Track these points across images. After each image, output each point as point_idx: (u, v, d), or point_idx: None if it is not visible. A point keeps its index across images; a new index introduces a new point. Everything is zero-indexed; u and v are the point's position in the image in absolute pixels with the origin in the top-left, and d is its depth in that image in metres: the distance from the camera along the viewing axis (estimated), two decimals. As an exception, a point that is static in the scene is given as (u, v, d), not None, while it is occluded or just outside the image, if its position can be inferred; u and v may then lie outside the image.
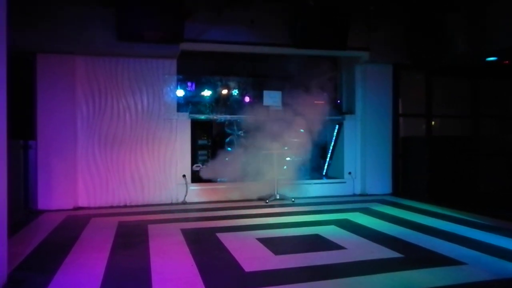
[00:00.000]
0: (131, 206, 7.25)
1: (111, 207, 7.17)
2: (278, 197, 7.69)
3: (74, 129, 7.07)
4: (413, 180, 8.64)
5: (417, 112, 9.24)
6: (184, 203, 7.55)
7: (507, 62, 8.72)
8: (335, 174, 8.95)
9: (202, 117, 8.15)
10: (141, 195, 7.40)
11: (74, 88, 7.07)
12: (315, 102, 8.90)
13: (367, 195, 8.47)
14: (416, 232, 5.38)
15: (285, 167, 8.77)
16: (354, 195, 8.57)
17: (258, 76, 8.32)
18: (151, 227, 5.61)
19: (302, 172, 8.65)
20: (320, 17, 6.77)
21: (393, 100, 8.78)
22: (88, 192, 7.17)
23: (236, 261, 4.12)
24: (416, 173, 8.60)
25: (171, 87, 7.64)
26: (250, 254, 4.39)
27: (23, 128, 6.88)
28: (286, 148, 8.68)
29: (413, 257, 4.30)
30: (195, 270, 3.86)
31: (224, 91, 9.03)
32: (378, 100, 8.64)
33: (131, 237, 5.14)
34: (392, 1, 6.81)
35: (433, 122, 9.38)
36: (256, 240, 4.92)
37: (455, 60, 8.16)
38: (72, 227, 5.69)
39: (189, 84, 8.76)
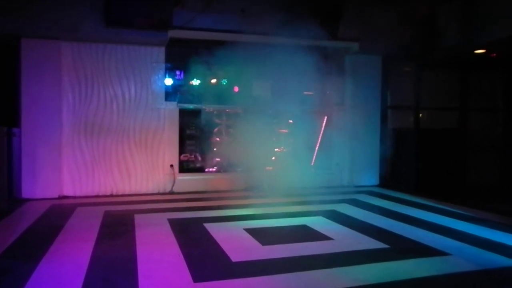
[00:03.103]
0: (118, 196, 7.18)
1: (97, 196, 7.10)
2: (266, 188, 7.68)
3: (60, 117, 6.95)
4: (400, 172, 8.70)
5: (406, 104, 9.26)
6: (171, 193, 7.50)
7: (494, 55, 8.78)
8: (323, 165, 8.95)
9: (191, 106, 8.07)
10: (127, 184, 7.34)
11: (60, 74, 6.93)
12: (305, 93, 8.90)
13: (354, 186, 8.51)
14: (402, 223, 5.43)
15: (273, 157, 8.78)
16: (342, 186, 8.60)
17: (248, 65, 8.22)
18: (137, 217, 5.56)
19: (290, 163, 8.65)
20: (311, 7, 6.71)
21: (382, 92, 8.79)
22: (73, 181, 7.07)
23: (223, 251, 4.11)
24: (403, 165, 8.65)
25: (159, 76, 7.54)
26: (237, 245, 4.39)
27: (7, 115, 6.73)
28: (274, 139, 8.69)
29: (399, 248, 4.34)
30: (182, 260, 3.84)
31: (213, 80, 8.93)
32: (367, 91, 8.64)
33: (117, 226, 5.09)
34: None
35: (420, 114, 9.42)
36: (244, 231, 4.92)
37: (445, 53, 8.18)
38: (57, 216, 5.62)
39: (177, 72, 8.63)
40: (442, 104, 9.59)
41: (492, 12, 6.52)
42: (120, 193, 7.26)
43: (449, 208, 6.34)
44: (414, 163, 8.69)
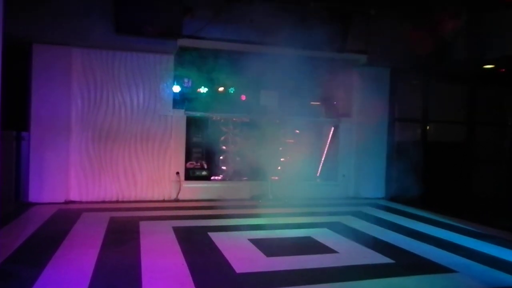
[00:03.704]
0: (123, 202, 7.20)
1: (103, 202, 7.11)
2: (271, 197, 7.67)
3: (68, 122, 7.00)
4: (407, 185, 8.64)
5: (413, 117, 9.24)
6: (176, 200, 7.51)
7: (503, 70, 8.76)
8: (329, 176, 8.93)
9: (198, 114, 8.11)
10: (133, 190, 7.35)
11: (69, 80, 7.00)
12: (312, 103, 8.92)
13: (360, 198, 8.47)
14: (408, 237, 5.39)
15: (279, 167, 8.78)
16: (348, 197, 8.56)
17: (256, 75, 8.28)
18: (142, 224, 5.57)
19: (296, 173, 8.65)
20: (321, 20, 6.75)
21: (389, 104, 8.78)
22: (80, 186, 7.10)
23: (227, 262, 4.10)
24: (410, 177, 8.59)
25: (168, 83, 7.59)
26: (241, 255, 4.37)
27: (16, 119, 6.79)
28: (281, 148, 8.70)
29: (404, 263, 4.31)
30: (186, 270, 3.83)
31: (221, 89, 8.97)
32: (375, 103, 8.61)
33: (122, 233, 5.10)
34: (392, 5, 6.78)
35: (427, 127, 9.39)
36: (248, 241, 4.90)
37: (454, 66, 8.17)
38: (63, 221, 5.64)
39: (185, 80, 8.68)
40: (450, 117, 9.56)
41: (502, 28, 6.51)
42: (125, 199, 7.27)
43: (456, 223, 6.28)
44: (420, 176, 8.64)
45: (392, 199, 8.43)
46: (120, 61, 7.31)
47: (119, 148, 7.29)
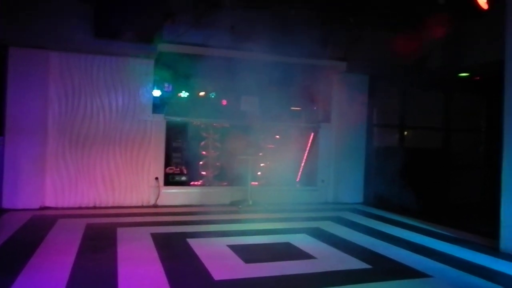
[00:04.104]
0: (100, 208, 7.09)
1: (80, 208, 7.00)
2: (250, 203, 7.67)
3: (45, 127, 6.87)
4: (384, 190, 8.77)
5: (391, 123, 9.40)
6: (155, 206, 7.43)
7: (478, 78, 9.01)
8: (308, 181, 9.00)
9: (178, 119, 8.07)
10: (111, 196, 7.25)
11: (46, 84, 6.88)
12: (292, 108, 8.99)
13: (339, 203, 8.56)
14: (385, 242, 5.46)
15: (259, 173, 8.80)
16: (327, 203, 8.63)
17: (237, 80, 8.30)
18: (120, 231, 5.49)
19: (275, 178, 8.69)
20: (301, 27, 6.81)
21: (368, 110, 8.91)
22: (56, 192, 6.97)
23: (206, 269, 4.07)
24: (388, 183, 8.72)
25: (148, 88, 7.53)
26: (220, 262, 4.35)
27: (-9, 123, 6.64)
28: (261, 154, 8.72)
29: (381, 269, 4.36)
30: (164, 277, 3.79)
31: (201, 94, 8.96)
32: (354, 109, 8.74)
33: (99, 240, 5.02)
34: (372, 14, 6.90)
35: (405, 132, 9.56)
36: (227, 247, 4.89)
37: (431, 74, 8.36)
38: (38, 228, 5.52)
39: (166, 85, 8.64)
40: (427, 123, 9.76)
41: (476, 38, 6.70)
42: (103, 205, 7.17)
43: (432, 228, 6.39)
44: (398, 182, 8.78)
45: (371, 204, 8.53)
46: (99, 65, 7.23)
47: (97, 153, 7.19)
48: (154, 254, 4.53)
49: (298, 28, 6.83)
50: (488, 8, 5.21)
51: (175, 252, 4.67)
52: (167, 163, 8.01)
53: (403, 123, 9.43)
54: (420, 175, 8.71)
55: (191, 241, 5.07)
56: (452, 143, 9.76)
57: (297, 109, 9.13)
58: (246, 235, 5.59)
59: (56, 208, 6.86)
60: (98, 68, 7.22)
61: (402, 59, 7.57)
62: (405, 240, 5.62)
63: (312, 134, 9.09)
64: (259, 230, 5.91)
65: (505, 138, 5.13)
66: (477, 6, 5.27)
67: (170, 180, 7.86)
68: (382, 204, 8.25)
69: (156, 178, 7.53)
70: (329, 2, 6.82)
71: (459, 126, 9.87)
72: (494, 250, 5.15)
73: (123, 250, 4.59)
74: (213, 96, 8.94)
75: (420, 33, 6.62)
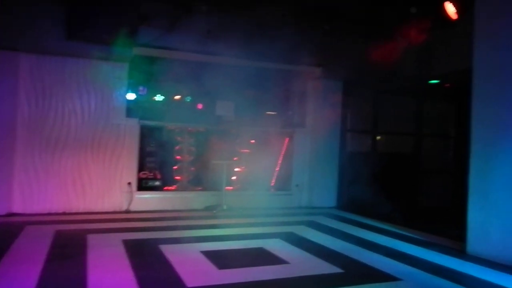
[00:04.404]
0: (71, 214, 6.91)
1: (49, 214, 6.80)
2: (225, 208, 7.65)
3: (14, 129, 6.66)
4: (357, 194, 8.89)
5: (364, 128, 9.56)
6: (127, 211, 7.31)
7: (447, 85, 9.27)
8: (283, 186, 9.04)
9: (152, 123, 7.98)
10: (82, 202, 7.09)
11: (16, 85, 6.68)
12: (267, 113, 9.02)
13: (313, 207, 8.62)
14: (357, 246, 5.54)
15: (234, 177, 8.79)
16: (301, 207, 8.69)
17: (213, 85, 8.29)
18: (90, 237, 5.37)
19: (250, 183, 8.69)
20: (277, 33, 6.87)
21: (342, 116, 9.03)
22: (24, 197, 6.75)
23: (178, 276, 4.03)
24: (360, 187, 8.85)
25: (121, 91, 7.42)
26: (193, 268, 4.32)
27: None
28: (235, 158, 8.71)
29: (352, 273, 4.42)
30: (135, 285, 3.73)
31: (177, 98, 8.89)
32: (328, 114, 8.84)
33: (68, 247, 4.90)
34: (346, 21, 7.02)
35: (378, 137, 9.74)
36: (200, 253, 4.86)
37: (403, 81, 8.55)
38: (4, 235, 5.33)
39: (141, 88, 8.53)
40: (399, 129, 9.96)
41: (446, 47, 6.90)
42: (73, 211, 6.99)
43: (403, 232, 6.52)
44: (371, 186, 8.92)
45: (344, 208, 8.64)
46: (72, 68, 7.07)
47: (68, 158, 7.03)
48: (125, 261, 4.45)
49: (274, 33, 6.88)
50: (457, 19, 5.38)
51: (147, 259, 4.59)
52: (141, 168, 7.91)
53: (376, 129, 9.60)
54: (392, 180, 8.88)
55: (164, 248, 5.01)
56: (423, 148, 9.99)
57: (272, 114, 9.17)
58: (220, 240, 5.56)
59: (23, 215, 6.65)
60: (71, 71, 7.07)
61: (375, 66, 7.71)
62: (377, 244, 5.71)
63: (287, 139, 9.14)
64: (233, 235, 5.90)
65: (472, 144, 5.29)
66: (447, 16, 5.43)
67: (143, 185, 7.75)
68: (355, 208, 8.36)
69: (129, 183, 7.41)
70: (304, 9, 6.89)
71: (430, 131, 10.12)
72: (461, 252, 5.30)
73: (93, 258, 4.49)
74: (188, 100, 8.87)
75: (393, 41, 6.77)
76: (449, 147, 10.50)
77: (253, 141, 9.02)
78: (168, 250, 4.90)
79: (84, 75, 7.13)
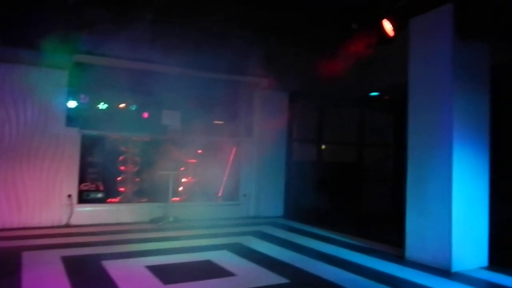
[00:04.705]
0: (4, 230, 6.47)
1: (-21, 230, 6.35)
2: (171, 220, 7.50)
3: None
4: (303, 203, 9.08)
5: (309, 138, 9.80)
6: (67, 225, 6.97)
7: (387, 97, 9.75)
8: (230, 196, 9.02)
9: (95, 133, 7.69)
10: (16, 216, 6.66)
11: None
12: (214, 122, 9.00)
13: (260, 217, 8.68)
14: (303, 255, 5.63)
15: (180, 188, 8.66)
16: (248, 217, 8.72)
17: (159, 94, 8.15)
18: (26, 255, 5.05)
19: (197, 194, 8.60)
20: (222, 43, 6.89)
21: (288, 126, 9.21)
22: (-50, 213, 6.26)
23: (121, 293, 3.89)
24: (306, 196, 9.04)
25: (61, 100, 7.10)
26: (137, 285, 4.20)
27: None
28: (182, 168, 8.59)
29: (298, 283, 4.48)
30: (73, 305, 3.55)
31: (121, 106, 8.63)
32: (275, 124, 8.98)
33: (1, 266, 4.58)
34: (290, 34, 7.18)
35: (323, 147, 10.01)
36: (145, 268, 4.72)
37: (346, 93, 8.87)
38: None
39: (82, 96, 8.19)
40: (343, 139, 10.31)
41: (385, 61, 7.24)
42: (6, 227, 6.55)
43: (347, 240, 6.71)
44: (317, 195, 9.14)
45: (290, 217, 8.77)
46: (5, 74, 6.70)
47: (1, 169, 6.59)
48: (64, 279, 4.23)
49: (220, 44, 6.90)
50: (394, 36, 5.68)
51: (89, 277, 4.40)
52: (82, 179, 7.58)
53: (321, 138, 9.87)
54: (336, 188, 9.16)
55: (107, 264, 4.82)
56: (365, 157, 10.40)
57: (219, 123, 9.16)
58: (166, 254, 5.44)
59: (-51, 232, 6.15)
60: (4, 77, 6.68)
61: (320, 78, 7.94)
62: (322, 253, 5.84)
63: (234, 148, 9.16)
64: (180, 248, 5.79)
65: (409, 153, 5.58)
66: (385, 33, 5.72)
67: (85, 198, 7.43)
68: (302, 217, 8.51)
69: (69, 196, 7.08)
70: (251, 20, 6.97)
71: (372, 141, 10.56)
72: (400, 258, 5.54)
73: (28, 278, 4.22)
74: (133, 109, 8.64)
75: (336, 54, 7.01)
76: (389, 156, 11.00)
77: (200, 151, 8.95)
78: (111, 266, 4.72)
79: (20, 82, 6.77)
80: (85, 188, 7.59)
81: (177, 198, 8.35)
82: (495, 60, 5.41)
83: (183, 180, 8.73)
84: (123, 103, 8.48)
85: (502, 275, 4.90)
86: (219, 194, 9.13)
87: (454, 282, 4.63)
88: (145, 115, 8.62)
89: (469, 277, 4.81)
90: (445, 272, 4.91)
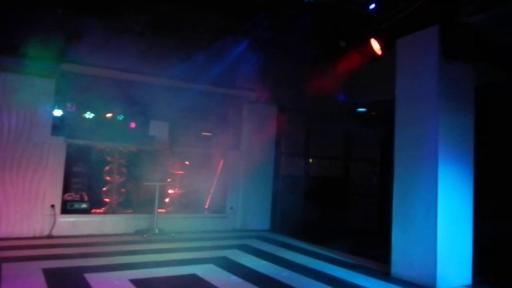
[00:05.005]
0: (-17, 240, 6.33)
1: (-42, 240, 6.18)
2: (157, 232, 7.41)
3: None
4: (289, 217, 9.07)
5: (297, 152, 9.83)
6: (50, 236, 6.82)
7: (373, 113, 9.87)
8: (217, 208, 8.97)
9: (80, 142, 7.60)
10: (-4, 227, 6.51)
11: None
12: (203, 134, 8.99)
13: (247, 230, 8.63)
14: (289, 270, 5.60)
15: (167, 199, 8.59)
16: (235, 230, 8.66)
17: (146, 104, 8.11)
18: (5, 267, 4.92)
19: (184, 206, 8.55)
20: (211, 56, 6.94)
21: (276, 139, 9.23)
22: None
23: (103, 308, 3.82)
24: (292, 210, 9.04)
25: (47, 108, 7.01)
26: (120, 299, 4.11)
27: None
28: (169, 180, 8.54)
29: (284, 299, 4.46)
30: (54, 320, 3.47)
31: (108, 116, 8.57)
32: (263, 138, 8.99)
33: (-21, 279, 4.46)
34: (280, 49, 7.27)
35: (310, 160, 10.05)
36: (129, 282, 4.64)
37: (333, 108, 8.96)
38: None
39: (69, 105, 8.12)
40: (330, 153, 10.37)
41: (373, 78, 7.35)
42: (-14, 237, 6.41)
43: (332, 255, 6.70)
44: (303, 209, 9.16)
45: (277, 231, 8.74)
46: (-11, 82, 6.59)
47: (-18, 178, 6.46)
48: (45, 293, 4.13)
49: (209, 57, 6.94)
50: (382, 54, 5.79)
51: (70, 290, 4.31)
52: (66, 189, 7.47)
53: (308, 152, 9.92)
54: (323, 202, 9.18)
55: (89, 276, 4.73)
56: (351, 172, 10.47)
57: (207, 135, 9.15)
58: (150, 267, 5.36)
59: None
60: (-13, 85, 6.57)
61: (308, 93, 8.03)
62: (308, 268, 5.82)
63: (222, 161, 9.14)
64: (165, 261, 5.72)
65: (395, 168, 5.63)
66: (373, 51, 5.83)
67: (68, 208, 7.30)
68: (288, 231, 8.49)
69: (52, 206, 6.95)
70: (240, 34, 7.04)
71: (358, 156, 10.64)
72: (386, 275, 5.55)
73: (8, 290, 4.12)
74: (120, 119, 8.59)
75: (325, 70, 7.10)
76: (375, 171, 11.08)
77: (187, 162, 8.91)
78: (94, 279, 4.63)
79: (4, 90, 6.67)
80: (69, 198, 7.47)
81: (163, 210, 8.27)
82: (480, 81, 5.54)
83: (170, 191, 8.67)
84: (110, 112, 8.44)
85: (485, 293, 4.95)
86: (206, 206, 9.08)
87: (439, 299, 4.66)
88: (132, 125, 8.59)
89: (453, 294, 4.85)
90: (430, 289, 4.94)
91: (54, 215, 6.95)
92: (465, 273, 5.26)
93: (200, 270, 5.31)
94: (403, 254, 5.40)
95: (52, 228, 6.89)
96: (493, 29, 4.95)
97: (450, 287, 5.02)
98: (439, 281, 4.96)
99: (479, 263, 5.38)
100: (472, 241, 5.34)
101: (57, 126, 7.33)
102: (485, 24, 4.94)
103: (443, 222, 5.04)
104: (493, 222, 6.32)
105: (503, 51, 5.43)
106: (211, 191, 9.14)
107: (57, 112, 7.56)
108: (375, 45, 5.81)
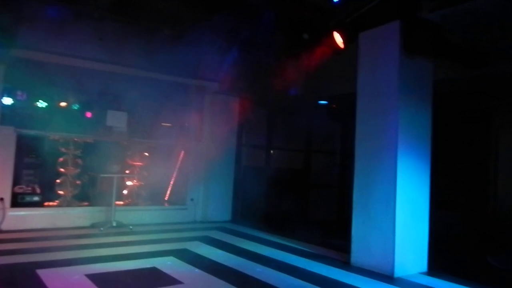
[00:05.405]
0: None
1: None
2: (114, 225, 7.19)
3: None
4: (250, 208, 9.08)
5: (259, 144, 9.83)
6: (-2, 231, 6.47)
7: (334, 106, 10.01)
8: (177, 200, 8.83)
9: (32, 132, 7.22)
10: None
11: None
12: (162, 124, 8.79)
13: (208, 222, 8.56)
14: (251, 262, 5.59)
15: (125, 191, 8.35)
16: (195, 222, 8.56)
17: (103, 94, 7.79)
18: (-51, 264, 4.62)
19: (142, 198, 8.35)
20: (173, 45, 6.76)
21: (238, 131, 9.18)
22: None
23: (58, 305, 3.64)
24: (254, 201, 9.06)
25: (-6, 96, 6.61)
26: (76, 295, 3.95)
27: None
28: (127, 171, 8.30)
29: (246, 290, 4.44)
30: (4, 319, 3.27)
31: (63, 105, 8.18)
32: (224, 129, 8.91)
33: None
34: (241, 40, 7.19)
35: (272, 152, 10.09)
36: (85, 277, 4.46)
37: (295, 101, 9.00)
38: None
39: (19, 93, 7.68)
40: (291, 145, 10.45)
41: (335, 71, 7.43)
42: None
43: (293, 245, 6.76)
44: (264, 200, 9.19)
45: (238, 222, 8.72)
46: None
47: None
48: (-7, 291, 3.90)
49: (170, 46, 6.76)
50: (344, 47, 5.84)
51: (22, 287, 4.07)
52: (17, 182, 7.08)
53: (270, 144, 9.94)
54: (284, 194, 9.26)
55: (42, 272, 4.51)
56: (312, 164, 10.61)
57: (168, 126, 8.95)
58: (108, 261, 5.18)
59: None
60: None
61: (270, 85, 8.00)
62: (269, 258, 5.84)
63: (182, 152, 8.98)
64: (123, 255, 5.55)
65: (356, 161, 5.73)
66: (335, 45, 5.87)
67: (19, 201, 6.95)
68: (249, 222, 8.50)
69: (1, 199, 6.58)
70: (202, 23, 6.90)
71: (319, 148, 10.80)
72: (346, 264, 5.66)
73: (-49, 289, 3.85)
74: (76, 108, 8.23)
75: (288, 63, 7.09)
76: (336, 163, 11.30)
77: (146, 153, 8.69)
78: (47, 275, 4.42)
79: None
80: (20, 190, 7.11)
81: (121, 202, 8.03)
82: (438, 75, 5.72)
83: (129, 183, 8.43)
84: (64, 102, 8.06)
85: (439, 280, 5.14)
86: (166, 198, 8.90)
87: (395, 287, 4.80)
88: (88, 115, 8.26)
89: (409, 282, 5.00)
90: (388, 277, 5.08)
91: (3, 208, 6.58)
92: (421, 261, 5.45)
93: (160, 263, 5.20)
94: (362, 244, 5.52)
95: (1, 222, 6.53)
96: (453, 26, 5.11)
97: (407, 274, 5.19)
98: (397, 269, 5.11)
99: (434, 251, 5.60)
100: (428, 231, 5.54)
101: (7, 115, 6.93)
102: (446, 20, 5.09)
103: (402, 212, 5.19)
104: (446, 212, 6.60)
105: (461, 48, 5.63)
106: (171, 182, 8.99)
107: (7, 100, 7.13)
108: (338, 38, 5.85)
